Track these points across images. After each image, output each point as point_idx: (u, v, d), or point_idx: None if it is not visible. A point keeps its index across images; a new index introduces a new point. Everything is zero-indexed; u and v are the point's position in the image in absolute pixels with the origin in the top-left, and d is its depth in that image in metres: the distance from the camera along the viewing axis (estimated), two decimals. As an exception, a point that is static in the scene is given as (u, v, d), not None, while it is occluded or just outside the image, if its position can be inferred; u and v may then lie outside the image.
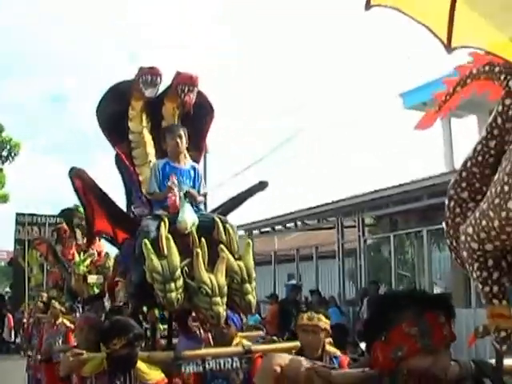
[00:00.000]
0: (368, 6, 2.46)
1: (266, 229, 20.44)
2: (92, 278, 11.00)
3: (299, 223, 19.10)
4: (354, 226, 16.25)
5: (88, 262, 11.44)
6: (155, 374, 4.63)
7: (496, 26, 2.49)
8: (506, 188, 2.68)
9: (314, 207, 17.07)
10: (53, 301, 10.44)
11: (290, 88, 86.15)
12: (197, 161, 5.93)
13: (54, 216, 19.40)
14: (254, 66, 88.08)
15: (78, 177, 5.53)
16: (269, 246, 20.77)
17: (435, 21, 2.48)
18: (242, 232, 20.74)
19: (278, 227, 19.97)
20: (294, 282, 18.84)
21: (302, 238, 20.67)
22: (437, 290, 15.27)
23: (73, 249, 12.32)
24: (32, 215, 22.00)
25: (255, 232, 20.60)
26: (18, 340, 21.14)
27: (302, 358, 2.25)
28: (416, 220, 14.96)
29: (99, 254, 11.56)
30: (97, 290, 10.63)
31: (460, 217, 3.15)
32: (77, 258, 11.71)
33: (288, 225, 19.56)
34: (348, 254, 16.82)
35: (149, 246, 4.94)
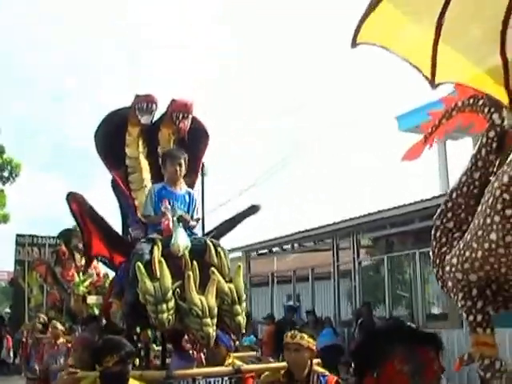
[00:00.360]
0: (354, 43, 2.55)
1: (264, 250, 20.57)
2: (91, 299, 11.08)
3: (296, 245, 19.27)
4: (350, 248, 16.41)
5: (87, 282, 11.55)
6: (147, 392, 4.77)
7: (474, 61, 2.63)
8: (489, 220, 2.80)
9: (311, 229, 17.27)
10: (54, 321, 10.55)
11: (290, 88, 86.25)
12: (191, 185, 6.12)
13: (53, 237, 19.49)
14: (254, 66, 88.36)
15: (75, 201, 5.74)
16: (267, 267, 20.90)
17: (419, 58, 2.62)
18: (239, 253, 20.91)
19: (275, 249, 20.12)
20: (292, 302, 19.00)
21: (302, 259, 20.79)
22: (433, 311, 15.39)
23: (72, 270, 12.42)
24: (32, 236, 22.11)
25: (253, 254, 20.74)
26: (18, 361, 21.18)
27: None
28: (412, 242, 15.09)
29: (98, 274, 11.67)
30: (96, 311, 10.71)
31: (446, 246, 3.28)
32: (76, 279, 11.81)
33: (285, 246, 19.72)
34: (344, 276, 16.95)
35: (142, 268, 5.12)
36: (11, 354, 22.11)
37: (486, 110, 3.26)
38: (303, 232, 17.61)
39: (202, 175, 24.59)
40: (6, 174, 28.12)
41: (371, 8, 2.45)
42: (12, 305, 26.23)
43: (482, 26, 2.59)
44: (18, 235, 22.80)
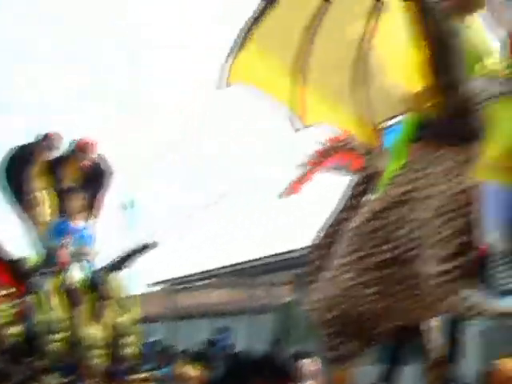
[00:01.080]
0: (228, 83, 2.66)
1: (189, 285, 20.51)
2: (14, 330, 10.81)
3: (226, 279, 19.28)
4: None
5: (11, 311, 11.23)
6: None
7: (338, 103, 2.80)
8: (343, 260, 2.86)
9: (236, 264, 17.37)
10: None
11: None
12: (92, 218, 6.34)
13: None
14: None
15: None
16: (195, 300, 20.84)
17: (291, 99, 2.74)
18: (163, 286, 20.85)
19: (200, 283, 20.09)
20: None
21: (228, 293, 20.74)
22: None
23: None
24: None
25: (178, 287, 20.68)
26: None
27: None
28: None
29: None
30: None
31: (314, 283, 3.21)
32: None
33: (210, 280, 19.72)
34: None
35: (37, 300, 5.33)
36: None
37: (358, 151, 3.31)
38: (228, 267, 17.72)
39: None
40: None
41: (239, 48, 2.62)
42: None
43: (337, 70, 2.74)
44: None
